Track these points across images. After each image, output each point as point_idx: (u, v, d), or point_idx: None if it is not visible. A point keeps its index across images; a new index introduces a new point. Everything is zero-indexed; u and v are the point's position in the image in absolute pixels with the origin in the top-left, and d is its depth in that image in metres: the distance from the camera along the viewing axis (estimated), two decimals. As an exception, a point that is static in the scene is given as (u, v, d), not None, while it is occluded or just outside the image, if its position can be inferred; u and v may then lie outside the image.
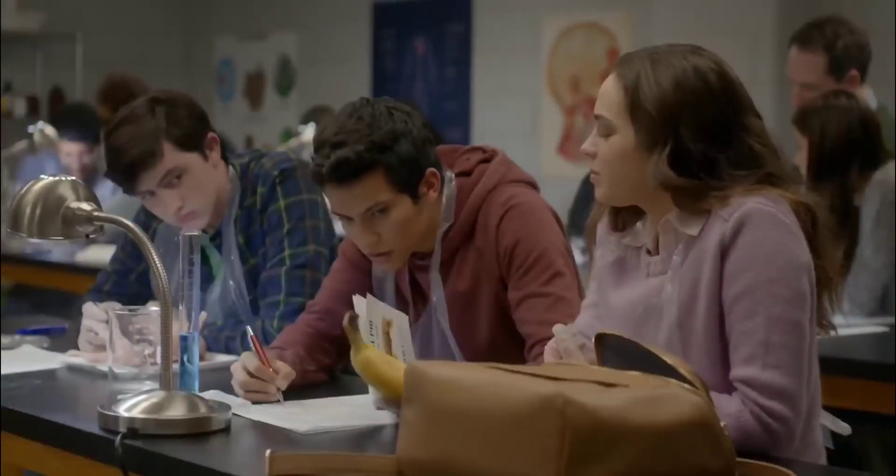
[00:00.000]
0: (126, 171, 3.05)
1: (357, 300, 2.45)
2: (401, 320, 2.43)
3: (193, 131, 3.12)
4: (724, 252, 2.16)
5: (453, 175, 2.76)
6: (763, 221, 2.15)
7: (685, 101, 2.19)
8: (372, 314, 2.41)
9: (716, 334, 2.18)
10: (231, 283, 3.18)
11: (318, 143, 2.61)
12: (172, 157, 3.07)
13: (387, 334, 2.41)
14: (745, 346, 2.14)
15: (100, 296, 3.30)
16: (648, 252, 2.31)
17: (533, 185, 2.79)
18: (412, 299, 2.81)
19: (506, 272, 2.69)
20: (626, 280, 2.34)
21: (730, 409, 2.09)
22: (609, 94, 2.25)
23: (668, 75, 2.20)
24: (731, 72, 2.25)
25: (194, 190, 3.10)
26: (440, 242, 2.73)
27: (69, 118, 6.23)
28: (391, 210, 2.63)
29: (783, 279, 2.14)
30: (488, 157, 2.80)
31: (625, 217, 2.36)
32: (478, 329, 2.74)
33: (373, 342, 2.41)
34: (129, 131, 3.05)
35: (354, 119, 2.59)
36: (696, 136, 2.18)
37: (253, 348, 2.58)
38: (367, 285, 2.82)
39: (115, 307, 2.91)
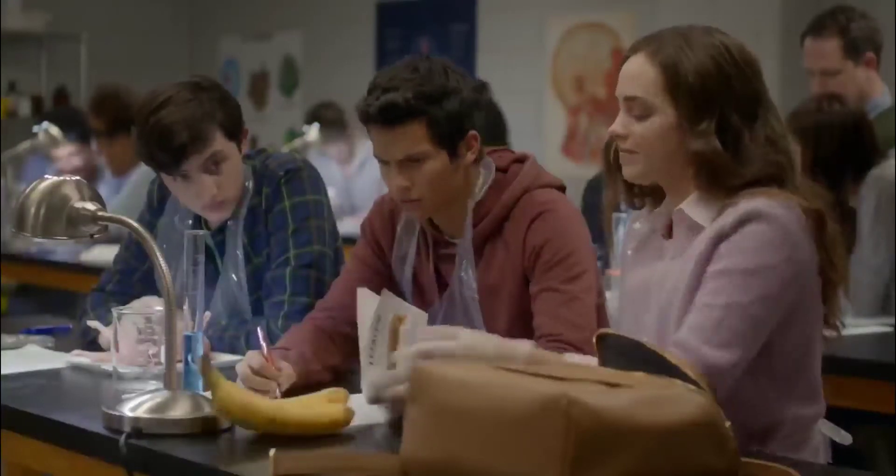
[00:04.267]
0: (176, 152, 3.02)
1: (363, 293, 2.46)
2: (418, 317, 2.43)
3: (236, 120, 3.12)
4: (719, 239, 2.20)
5: (491, 160, 2.80)
6: (765, 220, 2.17)
7: (724, 76, 2.23)
8: (383, 309, 2.41)
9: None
10: (233, 277, 3.17)
11: (371, 87, 2.69)
12: (219, 143, 3.06)
13: (395, 331, 2.41)
14: (698, 316, 2.18)
15: (103, 295, 3.30)
16: (662, 235, 2.35)
17: (562, 189, 2.83)
18: (437, 290, 2.84)
19: (530, 268, 2.72)
20: (641, 262, 2.39)
21: None
22: (643, 73, 2.26)
23: (705, 51, 2.24)
24: (752, 50, 2.29)
25: (230, 178, 3.10)
26: (470, 216, 2.77)
27: (56, 122, 6.22)
28: (428, 161, 2.68)
29: (762, 276, 2.18)
30: (521, 157, 2.84)
31: (640, 195, 2.40)
32: (498, 324, 2.76)
33: (374, 340, 2.41)
34: (177, 112, 3.02)
35: (410, 69, 2.67)
36: (734, 108, 2.22)
37: (258, 345, 2.59)
38: (379, 285, 2.83)
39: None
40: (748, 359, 2.19)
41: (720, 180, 2.22)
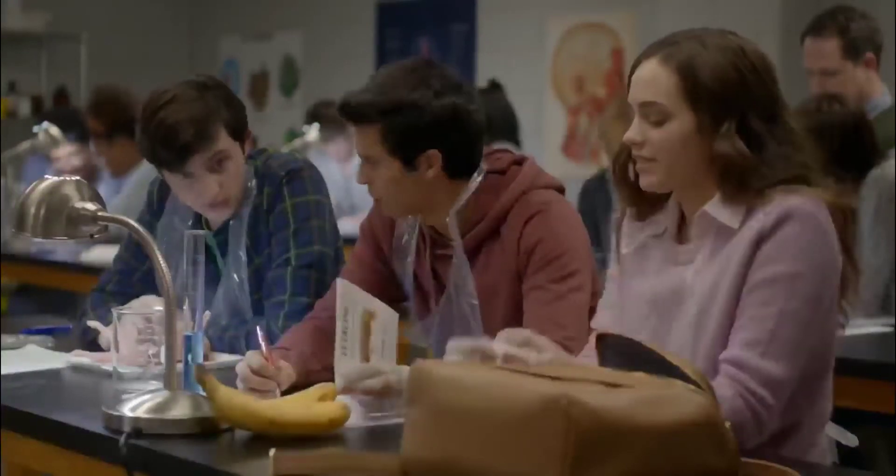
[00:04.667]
0: (180, 150, 3.03)
1: (340, 283, 2.47)
2: (387, 315, 2.45)
3: (240, 120, 3.14)
4: (760, 241, 2.17)
5: (485, 168, 2.79)
6: (803, 220, 2.16)
7: (742, 78, 2.20)
8: (349, 301, 2.42)
9: (732, 320, 2.18)
10: (235, 277, 3.17)
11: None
12: (224, 142, 3.07)
13: (367, 325, 2.42)
14: (750, 330, 2.15)
15: (103, 295, 3.30)
16: (674, 239, 2.32)
17: (561, 191, 2.83)
18: (434, 290, 2.85)
19: (523, 268, 2.73)
20: (649, 267, 2.34)
21: (724, 394, 2.09)
22: (658, 78, 2.23)
23: (721, 53, 2.21)
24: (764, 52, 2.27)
25: (232, 178, 3.11)
26: (455, 226, 2.77)
27: (56, 122, 6.22)
28: (380, 166, 2.73)
29: (808, 278, 2.15)
30: (519, 159, 2.84)
31: (649, 207, 2.36)
32: (495, 325, 2.76)
33: (345, 331, 2.42)
34: (182, 110, 3.02)
35: (391, 74, 2.74)
36: (754, 111, 2.20)
37: (258, 345, 2.59)
38: (379, 286, 2.85)
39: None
40: (804, 366, 2.18)
41: (748, 183, 2.19)
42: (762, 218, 2.17)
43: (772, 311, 2.14)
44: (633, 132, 2.26)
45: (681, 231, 2.32)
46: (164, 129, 3.02)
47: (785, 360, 2.14)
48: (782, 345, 2.14)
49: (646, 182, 2.28)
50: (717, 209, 2.23)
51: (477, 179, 2.78)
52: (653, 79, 2.23)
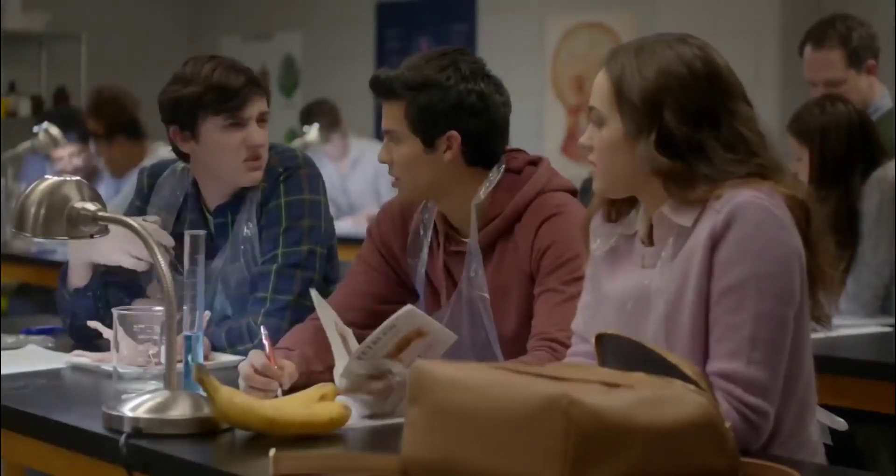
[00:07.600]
0: (242, 87, 3.14)
1: (408, 309, 2.44)
2: (441, 336, 2.42)
3: (268, 97, 3.26)
4: (715, 244, 2.16)
5: (504, 165, 2.81)
6: (756, 214, 2.15)
7: (668, 88, 2.21)
8: (403, 322, 2.39)
9: (702, 328, 2.18)
10: (245, 230, 3.17)
11: None
12: (266, 104, 3.20)
13: (406, 341, 2.40)
14: (730, 339, 2.14)
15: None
16: (643, 242, 2.32)
17: (574, 193, 2.84)
18: (445, 287, 2.85)
19: (535, 270, 2.73)
20: (619, 269, 2.34)
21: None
22: (599, 86, 2.28)
23: (651, 65, 2.23)
24: (717, 58, 2.26)
25: (267, 141, 3.18)
26: (475, 218, 2.78)
27: (56, 122, 6.22)
28: (402, 143, 2.76)
29: (773, 275, 2.15)
30: (535, 159, 2.86)
31: (619, 208, 2.37)
32: (508, 324, 2.77)
33: (377, 341, 2.40)
34: (237, 64, 3.21)
35: (424, 56, 2.77)
36: (680, 120, 2.20)
37: (260, 344, 2.60)
38: (385, 288, 2.86)
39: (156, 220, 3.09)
40: (786, 362, 2.18)
41: (692, 187, 2.20)
42: (713, 216, 2.17)
43: (746, 317, 2.13)
44: (584, 137, 2.32)
45: (651, 234, 2.32)
46: (224, 70, 3.15)
47: (769, 362, 2.13)
48: (764, 348, 2.13)
49: (595, 186, 2.33)
50: (671, 210, 2.24)
51: (496, 175, 2.79)
52: (596, 84, 2.29)
